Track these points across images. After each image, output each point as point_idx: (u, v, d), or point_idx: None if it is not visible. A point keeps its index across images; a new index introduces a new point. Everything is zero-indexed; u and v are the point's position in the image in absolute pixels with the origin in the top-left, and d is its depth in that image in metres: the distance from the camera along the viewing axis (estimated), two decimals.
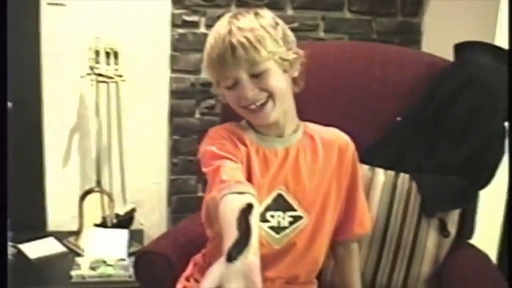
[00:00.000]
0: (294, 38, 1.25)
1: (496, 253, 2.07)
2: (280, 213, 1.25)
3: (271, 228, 1.25)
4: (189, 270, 1.35)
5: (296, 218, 1.26)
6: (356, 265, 1.40)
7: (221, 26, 1.19)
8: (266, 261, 1.23)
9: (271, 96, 1.19)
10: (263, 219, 1.24)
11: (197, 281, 1.30)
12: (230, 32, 1.16)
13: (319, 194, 1.28)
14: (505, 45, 1.72)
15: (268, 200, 1.25)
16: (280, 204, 1.25)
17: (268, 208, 1.25)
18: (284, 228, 1.25)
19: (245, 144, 1.25)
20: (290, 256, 1.26)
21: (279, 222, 1.25)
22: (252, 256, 0.84)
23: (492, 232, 2.05)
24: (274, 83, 1.19)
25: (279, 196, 1.26)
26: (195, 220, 1.52)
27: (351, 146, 1.32)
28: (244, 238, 0.85)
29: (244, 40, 1.15)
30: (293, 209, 1.26)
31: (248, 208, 0.92)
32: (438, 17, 2.32)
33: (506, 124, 1.52)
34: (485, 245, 1.73)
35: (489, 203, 1.90)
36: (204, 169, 1.21)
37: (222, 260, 0.82)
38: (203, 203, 1.26)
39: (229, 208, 0.99)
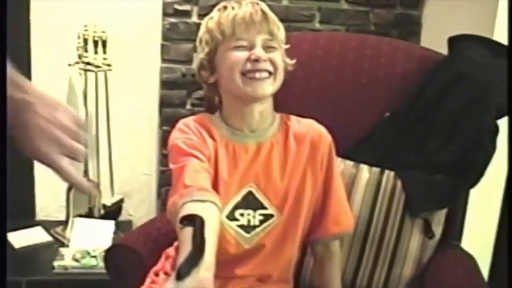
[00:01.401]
0: None
1: (490, 255, 2.02)
2: (250, 211, 1.22)
3: (241, 227, 1.21)
4: (159, 264, 1.32)
5: (267, 217, 1.23)
6: (336, 266, 1.35)
7: (241, 4, 1.20)
8: (236, 260, 1.21)
9: (274, 72, 1.19)
10: (232, 218, 1.21)
11: (167, 274, 1.27)
12: (252, 2, 1.20)
13: (291, 192, 1.23)
14: (503, 39, 1.66)
15: (238, 198, 1.21)
16: (250, 202, 1.22)
17: (237, 206, 1.21)
18: (255, 227, 1.22)
19: (214, 139, 1.21)
20: (261, 255, 1.23)
21: (249, 221, 1.22)
22: (204, 271, 0.81)
23: (486, 233, 1.99)
24: (280, 62, 1.21)
25: (249, 193, 1.23)
26: None
27: (326, 138, 1.28)
28: (196, 254, 0.82)
29: (268, 11, 1.21)
30: (264, 207, 1.23)
31: (201, 223, 0.88)
32: (438, 9, 2.26)
33: (498, 121, 1.46)
34: (478, 246, 1.68)
35: (482, 203, 1.85)
36: (171, 165, 1.18)
37: (172, 277, 0.78)
38: (168, 201, 1.22)
39: (187, 212, 0.96)
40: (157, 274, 1.29)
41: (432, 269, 1.39)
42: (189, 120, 1.24)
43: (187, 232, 0.89)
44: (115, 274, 1.36)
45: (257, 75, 1.17)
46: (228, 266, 1.18)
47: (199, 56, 1.24)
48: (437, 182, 1.45)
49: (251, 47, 1.17)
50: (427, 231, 1.42)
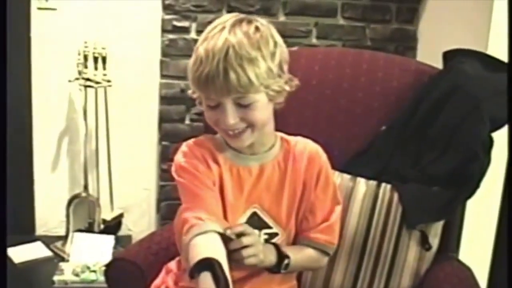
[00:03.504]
0: (287, 55, 1.18)
1: (488, 267, 2.03)
2: (256, 231, 1.21)
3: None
4: (160, 278, 1.32)
5: (272, 235, 1.24)
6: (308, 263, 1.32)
7: (217, 41, 1.08)
8: (241, 280, 1.21)
9: (250, 126, 1.15)
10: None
11: None
12: (226, 55, 1.06)
13: (293, 209, 1.25)
14: (497, 52, 1.68)
15: (243, 219, 1.22)
16: (255, 222, 1.23)
17: None
18: None
19: (218, 163, 1.22)
20: (265, 273, 1.23)
21: None
22: None
23: (483, 245, 2.00)
24: (259, 116, 1.14)
25: (254, 214, 1.24)
26: (172, 228, 1.51)
27: (322, 154, 1.29)
28: None
29: (240, 71, 1.07)
30: (269, 227, 1.24)
31: (219, 266, 1.00)
32: (433, 24, 2.29)
33: (493, 134, 1.48)
34: (475, 258, 1.69)
35: (479, 215, 1.87)
36: (178, 179, 1.20)
37: None
38: (178, 213, 1.25)
39: (197, 257, 1.03)
40: None
41: (429, 281, 1.39)
42: (194, 144, 1.24)
43: (206, 276, 0.99)
44: None
45: (230, 133, 1.15)
46: (235, 286, 1.19)
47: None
48: (433, 194, 1.46)
49: (221, 105, 1.12)
50: (424, 243, 1.42)
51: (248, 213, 1.23)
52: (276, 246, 1.21)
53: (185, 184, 1.17)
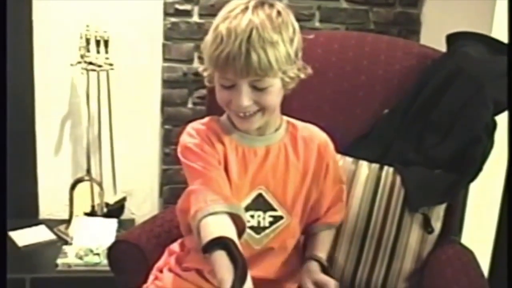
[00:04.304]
0: (302, 42, 1.18)
1: (490, 250, 2.03)
2: (260, 213, 1.23)
3: (251, 228, 1.23)
4: (162, 260, 1.34)
5: (277, 218, 1.25)
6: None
7: (240, 21, 1.07)
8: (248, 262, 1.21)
9: (263, 109, 1.16)
10: None
11: (171, 270, 1.29)
12: (250, 36, 1.06)
13: (301, 194, 1.26)
14: (502, 36, 1.67)
15: (248, 200, 1.23)
16: (260, 204, 1.24)
17: (248, 208, 1.23)
18: (264, 228, 1.24)
19: (223, 143, 1.22)
20: (270, 256, 1.25)
21: (259, 222, 1.24)
22: (250, 284, 0.98)
23: (485, 228, 2.01)
24: (272, 100, 1.15)
25: (259, 195, 1.24)
26: (174, 211, 1.51)
27: (330, 145, 1.32)
28: (242, 270, 0.98)
29: (262, 53, 1.07)
30: (274, 209, 1.25)
31: (234, 245, 1.02)
32: (437, 7, 2.28)
33: (497, 117, 1.48)
34: (477, 241, 1.69)
35: (482, 198, 1.87)
36: (183, 160, 1.21)
37: None
38: (184, 194, 1.25)
39: (210, 235, 1.05)
40: (160, 271, 1.31)
41: (431, 264, 1.40)
42: (198, 125, 1.24)
43: (221, 255, 1.01)
44: (118, 270, 1.37)
45: (241, 114, 1.16)
46: None
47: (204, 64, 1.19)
48: (436, 177, 1.46)
49: (236, 86, 1.12)
50: (427, 226, 1.43)
51: (254, 195, 1.23)
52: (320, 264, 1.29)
53: (191, 165, 1.18)
